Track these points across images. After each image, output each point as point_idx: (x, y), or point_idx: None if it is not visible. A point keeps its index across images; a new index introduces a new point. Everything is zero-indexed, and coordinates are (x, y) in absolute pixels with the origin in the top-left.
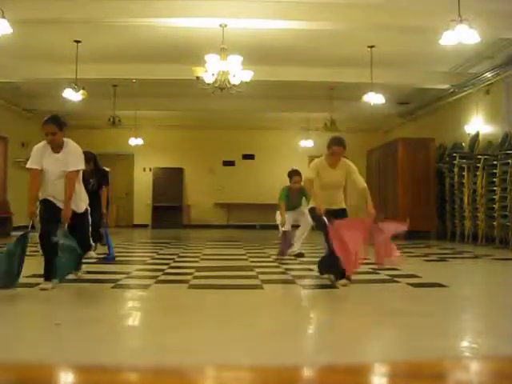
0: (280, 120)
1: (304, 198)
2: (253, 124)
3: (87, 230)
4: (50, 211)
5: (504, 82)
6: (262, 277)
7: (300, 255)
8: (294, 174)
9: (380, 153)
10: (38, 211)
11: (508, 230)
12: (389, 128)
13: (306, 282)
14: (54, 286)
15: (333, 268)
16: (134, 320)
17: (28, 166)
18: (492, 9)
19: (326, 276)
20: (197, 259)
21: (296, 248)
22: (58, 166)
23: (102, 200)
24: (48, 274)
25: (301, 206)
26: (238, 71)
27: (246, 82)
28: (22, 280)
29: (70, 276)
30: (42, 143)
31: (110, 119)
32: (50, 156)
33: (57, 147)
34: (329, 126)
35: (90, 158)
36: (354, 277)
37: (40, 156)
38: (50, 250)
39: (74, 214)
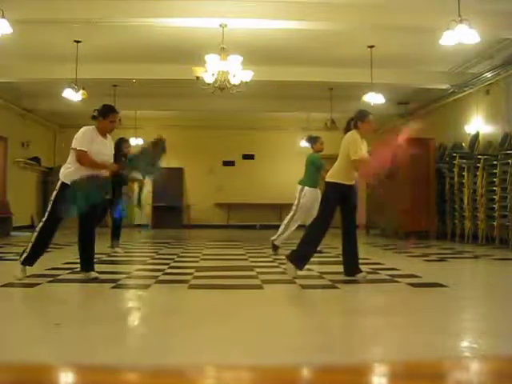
0: (280, 120)
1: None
2: (253, 124)
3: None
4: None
5: (504, 82)
6: (261, 277)
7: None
8: (313, 138)
9: None
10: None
11: (508, 230)
12: (389, 128)
13: (306, 282)
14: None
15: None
16: (133, 320)
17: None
18: (492, 9)
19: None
20: (197, 259)
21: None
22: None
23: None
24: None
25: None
26: (238, 71)
27: (246, 82)
28: (21, 280)
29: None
30: (92, 128)
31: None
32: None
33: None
34: (329, 126)
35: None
36: (354, 276)
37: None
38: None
39: None
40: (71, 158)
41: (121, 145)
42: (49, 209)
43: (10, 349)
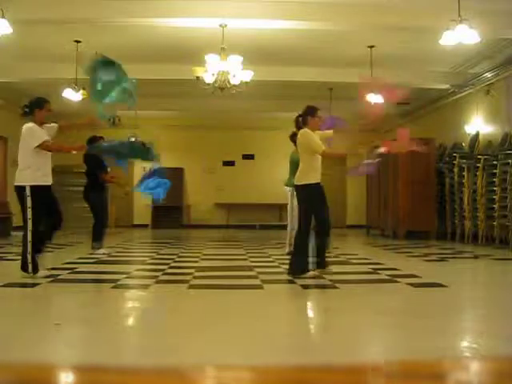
0: (280, 120)
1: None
2: (253, 124)
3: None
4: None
5: (504, 82)
6: (261, 277)
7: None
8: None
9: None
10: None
11: (508, 230)
12: (389, 128)
13: (306, 282)
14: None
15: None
16: (133, 320)
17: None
18: (492, 9)
19: (306, 275)
20: (197, 259)
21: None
22: None
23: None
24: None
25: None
26: (237, 71)
27: (246, 82)
28: (21, 280)
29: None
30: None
31: (110, 119)
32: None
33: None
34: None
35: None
36: (354, 277)
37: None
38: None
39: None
40: (26, 159)
41: (95, 141)
42: (30, 216)
43: (11, 349)
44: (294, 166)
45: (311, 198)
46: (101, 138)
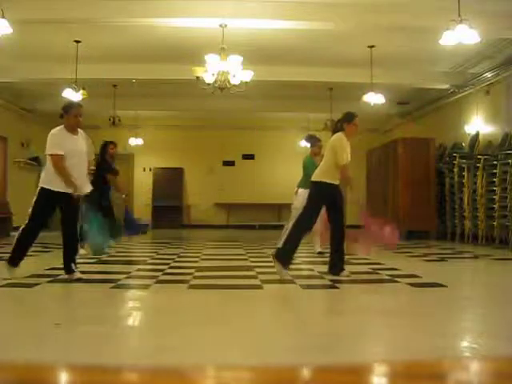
0: (280, 120)
1: None
2: (253, 124)
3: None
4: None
5: (504, 82)
6: (261, 277)
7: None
8: (314, 139)
9: (380, 153)
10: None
11: (508, 230)
12: (389, 128)
13: (306, 281)
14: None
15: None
16: (133, 320)
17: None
18: (492, 9)
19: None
20: (197, 259)
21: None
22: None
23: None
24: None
25: None
26: (237, 71)
27: (246, 82)
28: (21, 280)
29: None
30: (59, 128)
31: (110, 119)
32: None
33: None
34: (329, 126)
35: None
36: (354, 277)
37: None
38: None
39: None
40: (48, 163)
41: (106, 146)
42: (30, 212)
43: (10, 349)
44: (306, 169)
45: (318, 196)
46: (111, 142)
